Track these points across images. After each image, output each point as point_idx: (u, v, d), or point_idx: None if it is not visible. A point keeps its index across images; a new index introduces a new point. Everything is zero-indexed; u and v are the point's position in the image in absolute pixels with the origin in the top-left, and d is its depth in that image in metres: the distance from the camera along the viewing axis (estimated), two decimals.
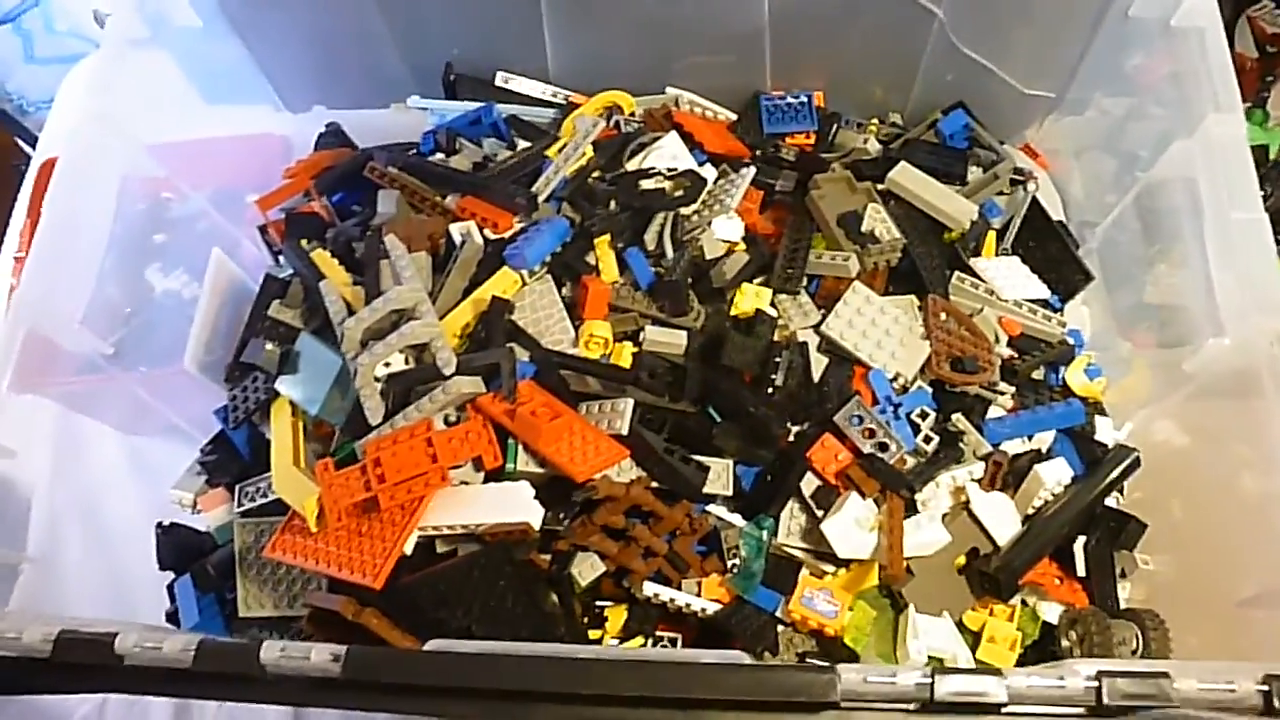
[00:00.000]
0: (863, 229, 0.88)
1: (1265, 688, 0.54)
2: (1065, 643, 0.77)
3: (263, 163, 1.07)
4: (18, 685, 0.62)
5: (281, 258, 0.96)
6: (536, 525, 0.70)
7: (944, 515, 0.80)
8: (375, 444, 0.73)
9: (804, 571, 0.77)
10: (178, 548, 0.86)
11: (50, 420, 1.07)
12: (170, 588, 0.85)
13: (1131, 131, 0.96)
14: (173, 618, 0.84)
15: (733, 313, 0.83)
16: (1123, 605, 0.81)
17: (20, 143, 1.53)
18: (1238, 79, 1.03)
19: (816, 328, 0.84)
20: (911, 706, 0.56)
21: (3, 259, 1.16)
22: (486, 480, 0.74)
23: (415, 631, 0.72)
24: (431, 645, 0.61)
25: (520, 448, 0.73)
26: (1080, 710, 0.55)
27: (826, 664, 0.59)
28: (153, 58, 0.92)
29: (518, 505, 0.70)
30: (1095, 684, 0.54)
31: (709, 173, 0.93)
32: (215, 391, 0.91)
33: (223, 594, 0.83)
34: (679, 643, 0.78)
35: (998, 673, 0.55)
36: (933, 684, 0.54)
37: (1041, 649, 0.78)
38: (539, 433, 0.71)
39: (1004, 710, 0.55)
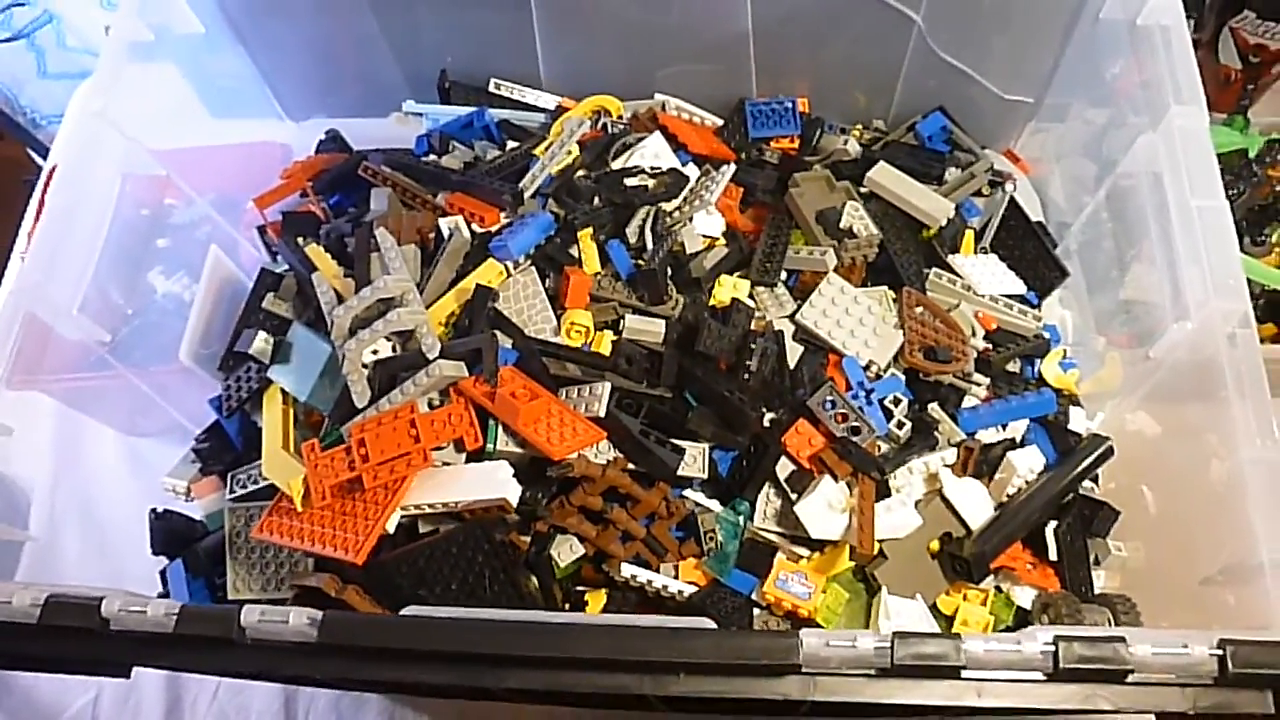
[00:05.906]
0: (840, 225, 0.90)
1: (1219, 651, 0.55)
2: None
3: (264, 169, 1.10)
4: (6, 652, 0.64)
5: (278, 256, 0.99)
6: (514, 502, 0.72)
7: (918, 501, 0.81)
8: (360, 425, 0.75)
9: (779, 555, 0.78)
10: (170, 534, 0.88)
11: (49, 421, 1.10)
12: (163, 573, 0.87)
13: (1111, 138, 0.97)
14: None
15: (711, 303, 0.85)
16: (1097, 591, 0.82)
17: (33, 155, 1.57)
18: (1223, 90, 1.03)
19: (792, 317, 0.85)
20: (873, 671, 0.57)
21: (11, 268, 1.19)
22: (468, 461, 0.76)
23: (395, 609, 0.73)
24: (407, 611, 0.63)
25: (500, 429, 0.75)
26: (1038, 675, 0.57)
27: (789, 629, 0.60)
28: (155, 64, 0.95)
29: (495, 483, 0.72)
30: (1052, 648, 0.55)
31: (692, 172, 0.95)
32: (210, 386, 0.93)
33: (213, 578, 0.85)
34: None
35: (956, 637, 0.56)
36: (892, 648, 0.56)
37: None
38: (517, 413, 0.73)
39: (963, 674, 0.56)
